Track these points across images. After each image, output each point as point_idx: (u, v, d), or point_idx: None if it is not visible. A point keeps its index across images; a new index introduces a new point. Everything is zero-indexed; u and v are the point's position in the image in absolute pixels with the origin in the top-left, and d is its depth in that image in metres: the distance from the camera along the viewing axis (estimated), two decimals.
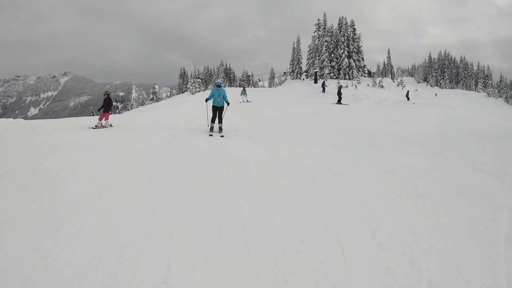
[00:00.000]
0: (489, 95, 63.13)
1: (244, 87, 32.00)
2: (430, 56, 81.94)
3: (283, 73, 63.45)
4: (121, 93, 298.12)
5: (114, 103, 11.62)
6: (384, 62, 75.16)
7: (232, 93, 26.88)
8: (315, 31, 56.64)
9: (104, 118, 13.64)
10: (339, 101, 27.92)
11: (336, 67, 52.44)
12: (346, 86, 41.58)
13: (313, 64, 53.35)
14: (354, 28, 55.55)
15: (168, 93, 72.00)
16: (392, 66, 75.07)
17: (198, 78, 59.61)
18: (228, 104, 11.72)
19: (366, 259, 3.59)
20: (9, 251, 3.57)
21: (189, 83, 61.41)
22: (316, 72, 50.01)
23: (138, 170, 6.58)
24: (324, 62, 52.22)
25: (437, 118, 18.55)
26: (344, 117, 18.07)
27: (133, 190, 5.44)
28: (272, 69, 72.97)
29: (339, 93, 28.50)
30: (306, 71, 55.87)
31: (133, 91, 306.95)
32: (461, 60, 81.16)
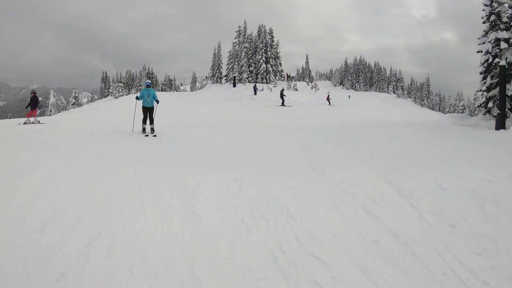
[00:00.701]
0: (398, 96, 69.92)
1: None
2: (346, 62, 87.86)
3: (204, 77, 64.54)
4: (39, 98, 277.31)
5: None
6: (303, 67, 79.66)
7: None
8: (236, 37, 58.55)
9: (32, 115, 15.27)
10: (282, 103, 29.68)
11: (254, 72, 54.81)
12: (262, 89, 43.92)
13: (233, 68, 55.33)
14: (272, 36, 58.16)
15: (89, 98, 69.78)
16: (310, 71, 79.33)
17: (120, 82, 59.10)
18: (157, 102, 11.59)
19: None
20: None
21: (111, 87, 60.65)
22: (235, 77, 51.92)
23: None
24: (243, 67, 54.33)
25: (337, 115, 21.74)
26: (249, 114, 21.03)
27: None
28: (194, 73, 73.76)
29: (282, 96, 30.32)
30: (226, 76, 57.68)
31: (51, 96, 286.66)
32: (375, 65, 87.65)
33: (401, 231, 4.16)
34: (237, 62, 55.68)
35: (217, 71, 58.96)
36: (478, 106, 15.97)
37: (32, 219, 4.25)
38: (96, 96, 69.78)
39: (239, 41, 58.20)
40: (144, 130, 11.38)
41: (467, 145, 9.04)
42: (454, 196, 5.05)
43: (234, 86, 49.05)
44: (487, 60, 14.48)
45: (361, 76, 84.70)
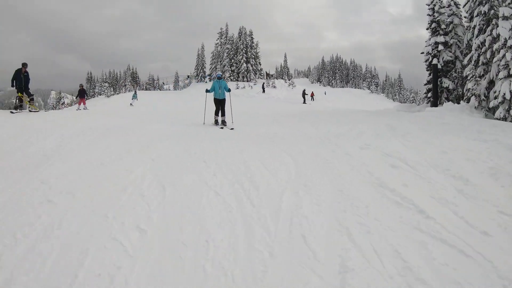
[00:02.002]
0: (371, 92, 73.99)
1: (135, 92, 33.34)
2: (323, 59, 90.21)
3: (186, 76, 67.33)
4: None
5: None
6: (281, 65, 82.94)
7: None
8: (218, 38, 62.06)
9: (82, 103, 20.71)
10: (304, 102, 33.83)
11: (236, 71, 58.27)
12: (244, 87, 47.42)
13: (216, 68, 58.80)
14: (252, 37, 61.78)
15: (72, 99, 69.20)
16: (288, 69, 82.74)
17: (106, 82, 61.26)
18: (229, 91, 11.47)
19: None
20: None
21: (96, 87, 62.73)
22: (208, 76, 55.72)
23: None
24: (225, 66, 57.75)
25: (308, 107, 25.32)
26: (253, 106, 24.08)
27: None
28: (177, 73, 76.56)
29: (304, 95, 35.34)
30: (209, 75, 61.12)
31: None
32: (351, 63, 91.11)
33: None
34: (220, 62, 59.04)
35: (201, 71, 62.37)
36: (423, 97, 19.60)
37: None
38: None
39: (221, 42, 61.65)
40: (216, 122, 11.22)
41: (391, 122, 10.74)
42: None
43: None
44: (428, 59, 18.09)
45: (337, 73, 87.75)
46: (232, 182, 5.06)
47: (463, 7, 15.94)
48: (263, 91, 45.36)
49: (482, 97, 13.19)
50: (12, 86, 12.74)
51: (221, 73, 12.66)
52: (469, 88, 13.46)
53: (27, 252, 3.13)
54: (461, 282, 2.77)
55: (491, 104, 12.57)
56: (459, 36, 17.49)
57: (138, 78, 74.48)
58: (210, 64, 61.40)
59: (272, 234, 3.60)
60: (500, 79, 12.17)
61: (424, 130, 8.80)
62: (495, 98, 12.29)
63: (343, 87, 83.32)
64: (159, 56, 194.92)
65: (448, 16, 17.74)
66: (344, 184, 4.98)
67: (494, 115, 12.32)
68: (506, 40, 12.11)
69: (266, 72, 67.59)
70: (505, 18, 12.27)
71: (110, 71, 75.13)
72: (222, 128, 10.50)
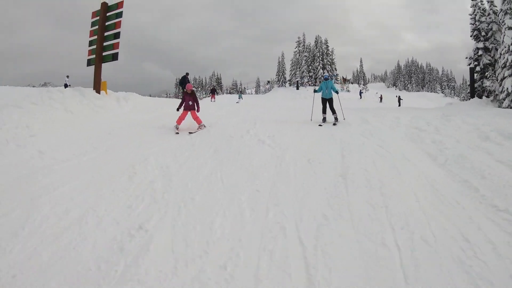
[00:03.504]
0: (445, 95, 74.61)
1: (240, 92, 43.37)
2: (398, 63, 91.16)
3: (266, 82, 75.54)
4: None
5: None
6: (357, 70, 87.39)
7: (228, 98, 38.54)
8: (296, 47, 69.23)
9: (213, 98, 33.34)
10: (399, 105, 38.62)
11: (313, 77, 64.52)
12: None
13: (295, 74, 65.71)
14: (327, 45, 68.03)
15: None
16: (364, 73, 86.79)
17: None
18: (337, 93, 11.66)
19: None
20: None
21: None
22: (297, 81, 62.27)
23: None
24: (304, 73, 64.49)
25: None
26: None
27: None
28: (258, 78, 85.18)
29: (399, 100, 41.11)
30: (289, 80, 68.33)
31: None
32: (426, 66, 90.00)
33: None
34: (299, 68, 65.75)
35: (282, 76, 69.86)
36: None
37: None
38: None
39: (299, 50, 68.42)
40: (324, 119, 11.50)
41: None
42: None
43: (297, 88, 59.04)
44: (470, 64, 22.58)
45: (413, 77, 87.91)
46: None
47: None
48: (360, 97, 50.80)
49: (496, 92, 17.93)
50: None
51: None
52: (486, 86, 18.26)
53: None
54: None
55: (500, 97, 17.30)
56: (498, 41, 20.35)
57: (221, 83, 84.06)
58: (290, 70, 68.79)
59: None
60: (505, 77, 16.92)
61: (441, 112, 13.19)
62: (502, 92, 17.05)
63: (418, 91, 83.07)
64: (236, 62, 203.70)
65: (488, 24, 20.33)
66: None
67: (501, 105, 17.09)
68: (509, 46, 16.80)
69: (343, 77, 73.01)
70: (510, 28, 16.88)
71: (195, 77, 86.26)
72: (335, 124, 10.97)
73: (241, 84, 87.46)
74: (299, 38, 69.30)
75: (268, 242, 4.11)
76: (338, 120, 11.28)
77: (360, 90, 51.37)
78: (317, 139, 8.82)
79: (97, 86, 12.45)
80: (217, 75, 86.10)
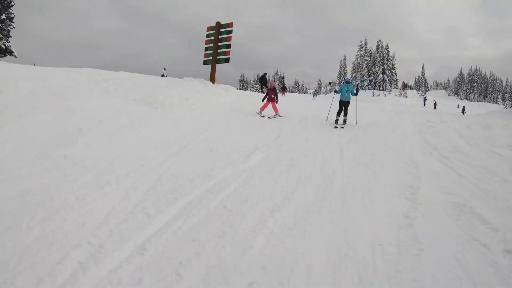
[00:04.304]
0: (506, 107, 73.24)
1: (315, 90, 47.82)
2: (461, 71, 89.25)
3: (328, 83, 79.51)
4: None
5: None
6: (419, 76, 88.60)
7: (299, 96, 43.21)
8: (358, 50, 73.14)
9: (283, 94, 30.89)
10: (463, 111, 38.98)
11: (373, 81, 67.96)
12: (379, 95, 57.19)
13: (356, 77, 69.43)
14: (388, 50, 71.25)
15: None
16: (426, 80, 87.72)
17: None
18: (355, 95, 11.76)
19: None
20: None
21: (248, 87, 78.60)
22: (357, 84, 65.87)
23: None
24: (364, 76, 68.17)
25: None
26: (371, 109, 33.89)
27: None
28: (320, 79, 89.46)
29: (463, 111, 41.71)
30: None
31: None
32: (490, 75, 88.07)
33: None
34: (359, 72, 69.49)
35: (343, 79, 73.83)
36: None
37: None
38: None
39: (360, 54, 72.15)
40: (336, 121, 11.48)
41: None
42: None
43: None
44: None
45: (475, 86, 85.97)
46: None
47: None
48: (424, 104, 51.28)
49: None
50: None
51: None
52: None
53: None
54: None
55: None
56: None
57: (284, 82, 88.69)
58: (351, 73, 72.63)
59: None
60: None
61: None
62: None
63: (480, 101, 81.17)
64: (298, 61, 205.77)
65: None
66: None
67: None
68: None
69: (404, 83, 75.54)
70: None
71: (257, 74, 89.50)
72: (342, 127, 11.01)
73: (303, 84, 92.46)
74: (361, 42, 73.20)
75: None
76: (346, 122, 11.52)
77: (424, 97, 53.94)
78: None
79: (213, 78, 16.81)
80: (281, 74, 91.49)
